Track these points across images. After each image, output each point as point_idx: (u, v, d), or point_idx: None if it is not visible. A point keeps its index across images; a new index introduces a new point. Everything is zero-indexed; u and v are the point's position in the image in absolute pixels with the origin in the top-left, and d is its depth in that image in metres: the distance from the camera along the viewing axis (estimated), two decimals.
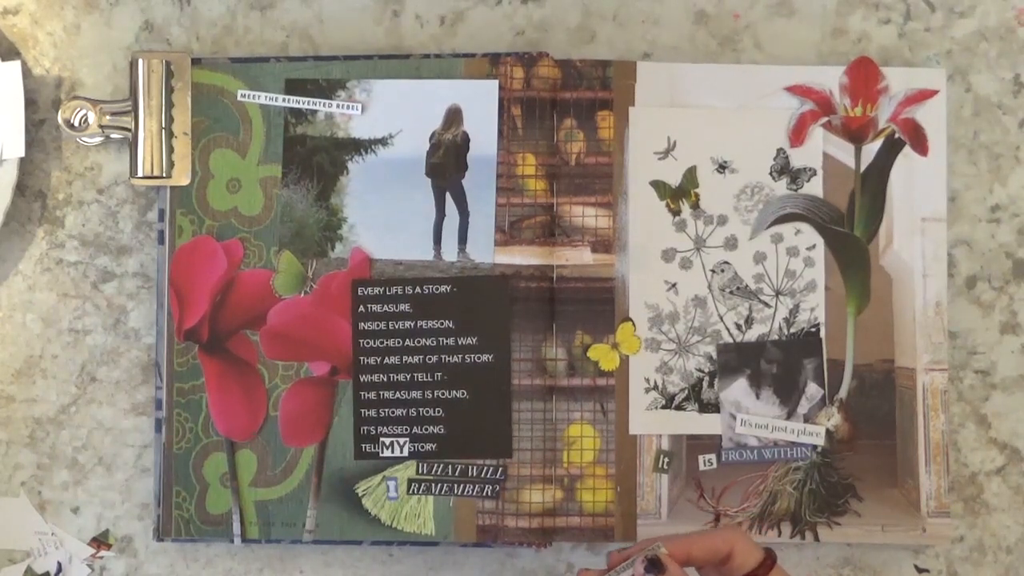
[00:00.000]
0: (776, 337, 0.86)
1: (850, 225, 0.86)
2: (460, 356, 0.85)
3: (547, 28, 0.88)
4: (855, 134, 0.86)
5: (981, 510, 0.87)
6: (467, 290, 0.85)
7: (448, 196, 0.85)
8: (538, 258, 0.85)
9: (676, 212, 0.86)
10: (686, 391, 0.85)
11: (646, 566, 0.68)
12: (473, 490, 0.84)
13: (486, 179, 0.85)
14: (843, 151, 0.86)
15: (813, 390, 0.86)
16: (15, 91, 0.85)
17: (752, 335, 0.86)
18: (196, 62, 0.86)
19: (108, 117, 0.85)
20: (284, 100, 0.86)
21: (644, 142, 0.86)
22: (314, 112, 0.86)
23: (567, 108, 0.86)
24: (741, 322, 0.86)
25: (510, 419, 0.84)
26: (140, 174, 0.85)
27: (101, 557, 0.86)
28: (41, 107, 0.87)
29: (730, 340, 0.86)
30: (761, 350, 0.86)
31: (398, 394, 0.85)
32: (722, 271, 0.86)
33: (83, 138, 0.86)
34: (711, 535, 0.71)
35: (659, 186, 0.86)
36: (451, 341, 0.85)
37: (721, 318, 0.86)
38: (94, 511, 0.86)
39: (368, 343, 0.85)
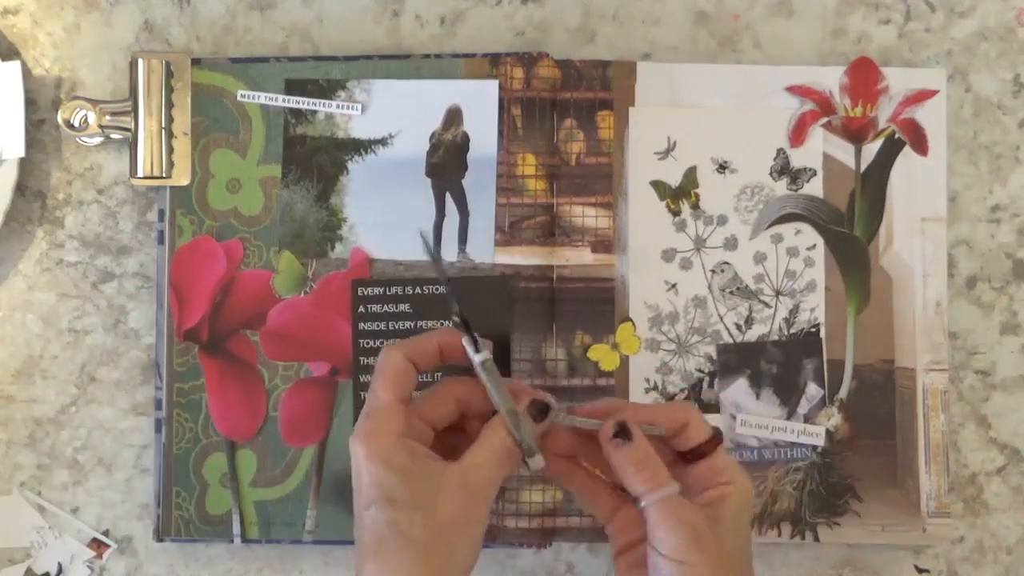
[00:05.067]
0: (776, 337, 0.86)
1: (850, 225, 0.86)
2: None
3: (547, 28, 0.88)
4: (855, 134, 0.86)
5: (981, 510, 0.87)
6: (467, 290, 0.85)
7: (448, 196, 0.85)
8: (538, 258, 0.85)
9: (676, 212, 0.86)
10: (686, 391, 0.86)
11: (616, 431, 0.68)
12: None
13: (486, 179, 0.85)
14: (843, 151, 0.86)
15: (813, 390, 0.86)
16: (15, 91, 0.85)
17: (752, 335, 0.86)
18: (196, 62, 0.86)
19: (108, 117, 0.85)
20: (284, 100, 0.86)
21: (644, 142, 0.86)
22: (314, 112, 0.86)
23: (567, 108, 0.86)
24: (741, 322, 0.86)
25: None
26: (140, 174, 0.86)
27: (101, 557, 0.86)
28: (41, 107, 0.87)
29: (730, 340, 0.86)
30: (761, 350, 0.86)
31: None
32: (722, 271, 0.86)
33: (83, 138, 0.86)
34: (670, 407, 0.72)
35: (659, 186, 0.86)
36: None
37: (721, 318, 0.86)
38: (94, 511, 0.87)
39: (368, 343, 0.85)
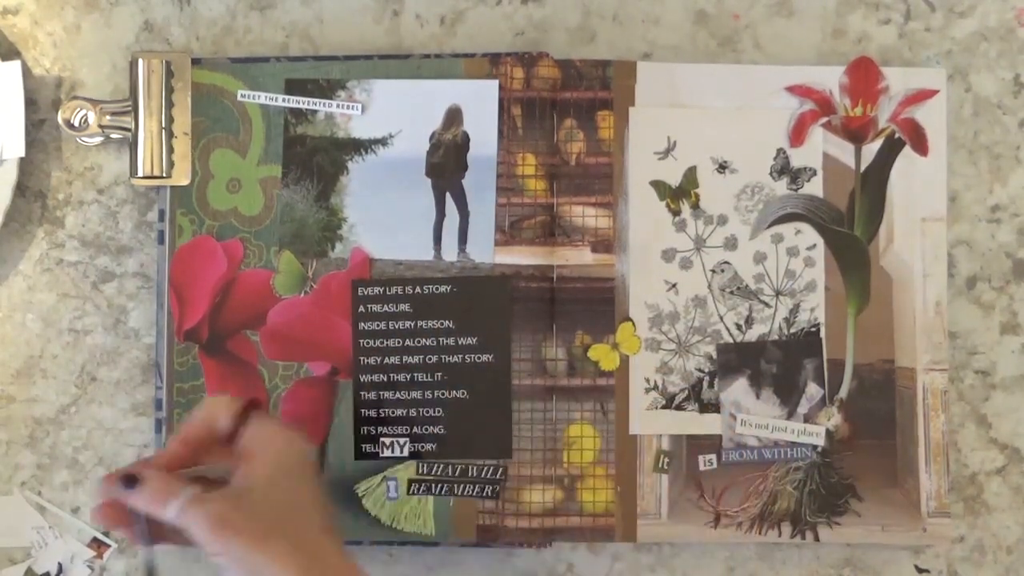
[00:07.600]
0: (776, 337, 0.86)
1: (850, 225, 0.86)
2: (460, 356, 0.85)
3: (547, 28, 0.88)
4: (855, 134, 0.86)
5: (981, 510, 0.87)
6: (467, 290, 0.85)
7: (448, 196, 0.85)
8: (538, 258, 0.85)
9: (676, 212, 0.86)
10: (686, 391, 0.85)
11: (124, 482, 0.69)
12: (473, 490, 0.84)
13: (486, 179, 0.85)
14: (843, 151, 0.86)
15: (813, 390, 0.86)
16: (15, 91, 0.85)
17: (752, 335, 0.86)
18: (196, 62, 0.86)
19: (108, 117, 0.85)
20: (284, 100, 0.86)
21: (644, 142, 0.86)
22: (314, 112, 0.86)
23: (567, 108, 0.86)
24: (741, 322, 0.86)
25: (510, 419, 0.84)
26: (140, 174, 0.86)
27: (101, 557, 0.86)
28: (41, 107, 0.87)
29: (730, 340, 0.86)
30: (761, 350, 0.86)
31: (398, 394, 0.85)
32: (722, 271, 0.86)
33: (83, 138, 0.86)
34: (189, 422, 0.73)
35: (659, 186, 0.86)
36: (451, 341, 0.85)
37: (721, 318, 0.86)
38: None
39: (368, 343, 0.85)
